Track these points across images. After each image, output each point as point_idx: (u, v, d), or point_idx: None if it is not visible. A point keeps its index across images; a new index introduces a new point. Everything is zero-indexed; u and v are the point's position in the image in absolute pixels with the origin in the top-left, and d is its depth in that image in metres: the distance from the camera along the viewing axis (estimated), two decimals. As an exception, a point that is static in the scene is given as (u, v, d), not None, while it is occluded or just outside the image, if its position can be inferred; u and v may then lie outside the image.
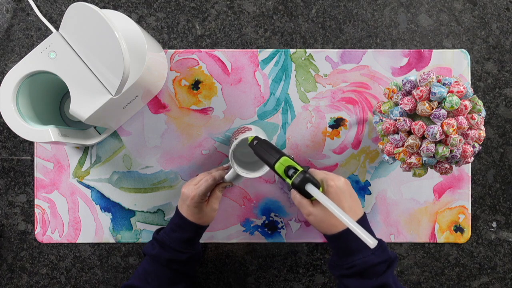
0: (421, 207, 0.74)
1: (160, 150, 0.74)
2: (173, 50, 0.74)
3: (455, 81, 0.57)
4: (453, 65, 0.74)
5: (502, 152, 0.75)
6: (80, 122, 0.73)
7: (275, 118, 0.74)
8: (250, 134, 0.62)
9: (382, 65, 0.74)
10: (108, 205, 0.74)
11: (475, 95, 0.59)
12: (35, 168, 0.74)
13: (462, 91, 0.56)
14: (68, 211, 0.74)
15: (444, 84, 0.58)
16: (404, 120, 0.58)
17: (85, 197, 0.74)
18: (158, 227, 0.74)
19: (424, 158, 0.58)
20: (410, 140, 0.57)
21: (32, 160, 0.74)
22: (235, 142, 0.62)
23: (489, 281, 0.75)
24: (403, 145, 0.59)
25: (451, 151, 0.57)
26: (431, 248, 0.75)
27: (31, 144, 0.74)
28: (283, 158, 0.55)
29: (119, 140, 0.74)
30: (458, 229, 0.74)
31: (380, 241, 0.54)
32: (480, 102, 0.59)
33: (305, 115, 0.74)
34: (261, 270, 0.75)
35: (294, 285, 0.75)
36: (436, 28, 0.75)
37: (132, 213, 0.74)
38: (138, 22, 0.74)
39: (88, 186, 0.74)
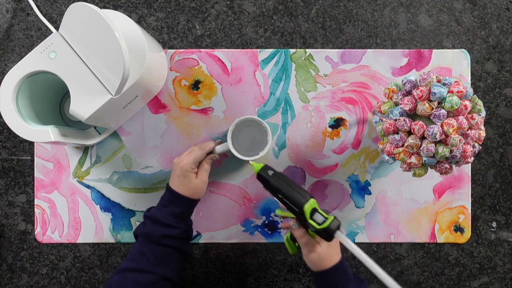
0: (421, 207, 0.74)
1: (160, 150, 0.74)
2: (173, 50, 0.74)
3: (455, 81, 0.57)
4: (453, 65, 0.74)
5: (502, 152, 0.75)
6: (80, 122, 0.73)
7: (275, 118, 0.74)
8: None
9: (382, 65, 0.74)
10: (108, 205, 0.74)
11: (475, 95, 0.59)
12: (35, 168, 0.74)
13: (462, 91, 0.56)
14: (68, 211, 0.74)
15: (444, 84, 0.58)
16: (404, 120, 0.58)
17: (85, 197, 0.74)
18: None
19: (424, 158, 0.58)
20: (410, 140, 0.57)
21: (32, 160, 0.74)
22: (237, 121, 0.66)
23: (489, 281, 0.75)
24: (403, 145, 0.59)
25: (451, 151, 0.57)
26: (431, 248, 0.75)
27: (31, 144, 0.74)
28: (312, 200, 0.56)
29: (119, 140, 0.74)
30: (458, 229, 0.74)
31: (357, 276, 0.63)
32: (480, 102, 0.59)
33: (305, 115, 0.74)
34: (261, 270, 0.75)
35: (294, 285, 0.75)
36: (436, 28, 0.75)
37: (132, 213, 0.74)
38: (138, 22, 0.74)
39: (88, 186, 0.74)
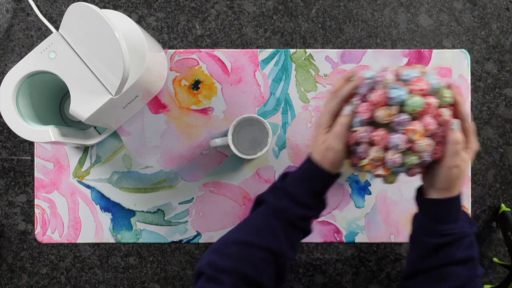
0: (421, 207, 0.74)
1: (160, 150, 0.74)
2: (173, 50, 0.74)
3: (417, 76, 0.50)
4: (453, 65, 0.74)
5: (502, 152, 0.75)
6: (80, 122, 0.73)
7: (275, 118, 0.74)
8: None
9: (382, 65, 0.74)
10: (108, 205, 0.74)
11: (441, 86, 0.51)
12: (35, 168, 0.74)
13: (424, 89, 0.49)
14: (68, 211, 0.74)
15: (404, 81, 0.50)
16: (365, 130, 0.51)
17: (85, 197, 0.74)
18: (158, 226, 0.74)
19: (396, 169, 0.52)
20: (373, 154, 0.51)
21: (32, 160, 0.74)
22: (239, 118, 0.66)
23: (489, 281, 0.75)
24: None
25: (421, 157, 0.51)
26: (431, 248, 0.75)
27: (31, 144, 0.74)
28: None
29: (119, 140, 0.74)
30: (458, 229, 0.74)
31: (466, 213, 0.54)
32: (447, 92, 0.51)
33: (305, 115, 0.74)
34: (261, 270, 0.75)
35: (294, 285, 0.75)
36: (436, 28, 0.75)
37: (132, 213, 0.74)
38: (138, 22, 0.74)
39: (88, 186, 0.74)
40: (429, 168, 0.53)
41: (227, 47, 0.75)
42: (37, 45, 0.61)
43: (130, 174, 0.74)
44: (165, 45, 0.75)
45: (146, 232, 0.74)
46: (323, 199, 0.56)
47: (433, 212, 0.52)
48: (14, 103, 0.59)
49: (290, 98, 0.74)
